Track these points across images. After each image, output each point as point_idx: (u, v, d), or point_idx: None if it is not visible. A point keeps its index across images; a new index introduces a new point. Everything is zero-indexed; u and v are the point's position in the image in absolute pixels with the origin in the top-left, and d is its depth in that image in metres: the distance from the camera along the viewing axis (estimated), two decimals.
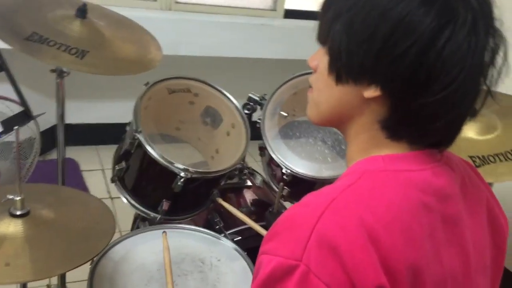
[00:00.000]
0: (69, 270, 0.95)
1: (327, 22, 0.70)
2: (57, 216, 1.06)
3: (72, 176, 2.53)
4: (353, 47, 0.66)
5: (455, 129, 0.69)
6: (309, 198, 0.67)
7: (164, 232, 1.24)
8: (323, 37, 0.72)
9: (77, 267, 0.94)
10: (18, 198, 1.00)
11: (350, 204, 0.63)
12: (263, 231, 1.37)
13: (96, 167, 2.76)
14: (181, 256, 1.29)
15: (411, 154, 0.69)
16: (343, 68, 0.68)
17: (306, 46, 2.96)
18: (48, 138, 2.14)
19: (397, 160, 0.68)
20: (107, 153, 2.81)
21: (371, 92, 0.66)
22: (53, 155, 2.69)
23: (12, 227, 0.99)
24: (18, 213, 1.01)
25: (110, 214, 1.13)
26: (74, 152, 2.68)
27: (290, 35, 2.66)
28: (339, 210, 0.62)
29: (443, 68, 0.62)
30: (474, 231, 0.73)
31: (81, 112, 2.77)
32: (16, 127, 0.93)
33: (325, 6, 0.71)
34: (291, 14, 2.75)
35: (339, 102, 0.71)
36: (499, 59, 0.66)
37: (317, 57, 0.74)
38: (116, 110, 2.74)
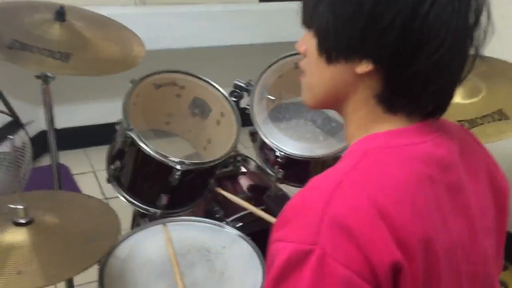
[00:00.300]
0: (80, 272, 0.95)
1: (310, 5, 0.70)
2: (60, 220, 1.06)
3: (64, 181, 2.51)
4: (339, 24, 0.66)
5: (448, 95, 0.70)
6: (316, 182, 0.67)
7: (164, 225, 1.25)
8: (308, 21, 0.73)
9: (87, 268, 0.95)
10: (20, 207, 1.01)
11: (357, 184, 0.64)
12: (264, 215, 1.39)
13: (87, 169, 2.75)
14: (186, 247, 1.30)
15: (410, 128, 0.70)
16: (333, 48, 0.69)
17: (284, 28, 2.97)
18: (36, 144, 2.12)
19: (398, 135, 0.69)
20: (97, 154, 2.81)
21: (363, 67, 0.67)
22: (42, 162, 2.67)
23: (18, 235, 0.99)
24: (22, 221, 1.01)
25: (112, 213, 1.14)
26: (63, 157, 2.65)
27: (268, 19, 2.66)
28: (347, 191, 0.63)
29: (430, 34, 0.63)
30: (477, 196, 0.74)
31: (65, 116, 2.74)
32: (11, 137, 0.93)
33: None
34: None
35: (333, 82, 0.72)
36: (483, 20, 0.67)
37: (305, 42, 0.74)
38: (101, 111, 2.73)
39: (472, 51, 0.68)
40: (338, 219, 0.61)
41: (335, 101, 0.74)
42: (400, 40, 0.63)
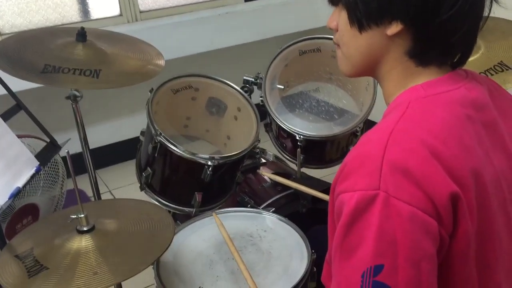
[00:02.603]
0: (151, 264, 1.02)
1: None
2: (118, 224, 1.13)
3: None
4: None
5: (472, 40, 0.78)
6: (369, 135, 0.75)
7: (213, 212, 1.33)
8: None
9: (157, 259, 1.02)
10: (82, 216, 1.07)
11: (407, 130, 0.72)
12: (310, 191, 1.50)
13: (103, 190, 2.79)
14: (230, 236, 1.37)
15: (443, 78, 0.78)
16: (363, 16, 0.76)
17: (272, 23, 3.03)
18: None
19: (434, 85, 0.77)
20: (108, 174, 2.86)
21: (394, 29, 0.75)
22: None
23: (84, 242, 1.05)
24: (85, 229, 1.08)
25: (163, 211, 1.21)
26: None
27: (256, 17, 2.74)
28: (400, 137, 0.71)
29: None
30: (510, 133, 0.82)
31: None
32: (67, 151, 0.99)
33: None
34: None
35: (367, 48, 0.79)
36: None
37: (335, 18, 0.83)
38: (104, 133, 2.80)
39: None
40: (396, 163, 0.69)
41: (371, 65, 0.82)
42: None
